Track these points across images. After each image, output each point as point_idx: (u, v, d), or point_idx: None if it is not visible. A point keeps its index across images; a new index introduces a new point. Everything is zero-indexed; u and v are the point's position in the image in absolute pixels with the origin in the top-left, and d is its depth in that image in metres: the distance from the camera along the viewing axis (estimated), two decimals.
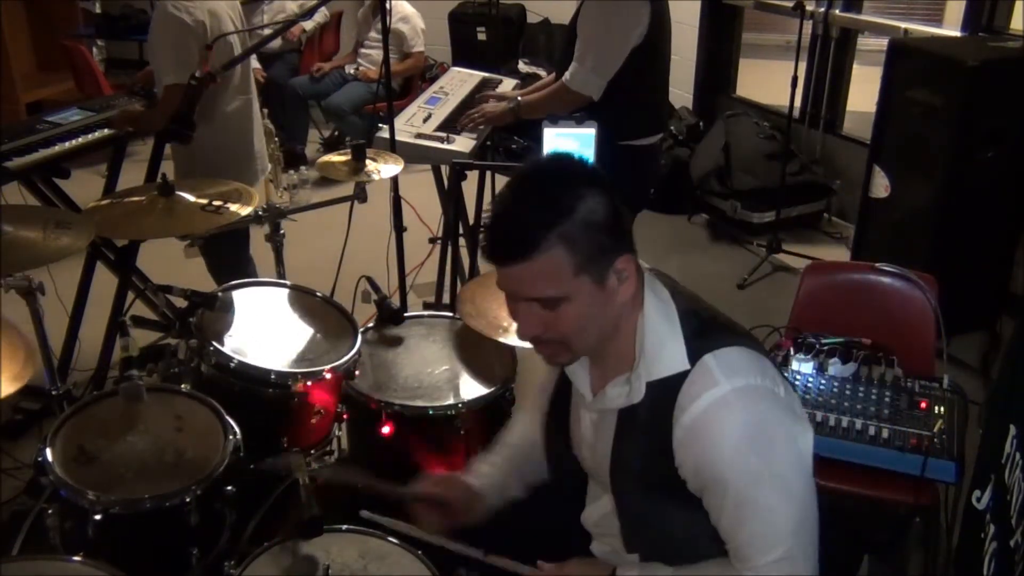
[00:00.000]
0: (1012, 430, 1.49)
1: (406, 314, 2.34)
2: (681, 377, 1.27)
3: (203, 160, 2.82)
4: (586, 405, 1.42)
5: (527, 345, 1.95)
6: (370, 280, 2.38)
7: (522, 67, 5.61)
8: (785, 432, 1.26)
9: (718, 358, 1.27)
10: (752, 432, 1.24)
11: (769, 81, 5.41)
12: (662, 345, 1.30)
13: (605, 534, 1.52)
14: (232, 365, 1.93)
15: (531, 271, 1.22)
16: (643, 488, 1.36)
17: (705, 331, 1.31)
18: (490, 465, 1.63)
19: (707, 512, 1.31)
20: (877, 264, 2.24)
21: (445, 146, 2.91)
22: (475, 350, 2.23)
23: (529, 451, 1.63)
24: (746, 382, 1.25)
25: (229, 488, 1.74)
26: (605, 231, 1.23)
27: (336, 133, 5.69)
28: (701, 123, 5.01)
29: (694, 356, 1.28)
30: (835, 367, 2.08)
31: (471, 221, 3.29)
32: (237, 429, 1.81)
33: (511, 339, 1.97)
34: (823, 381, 2.06)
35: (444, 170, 3.06)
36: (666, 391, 1.28)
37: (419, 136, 2.96)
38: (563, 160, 1.31)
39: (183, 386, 1.96)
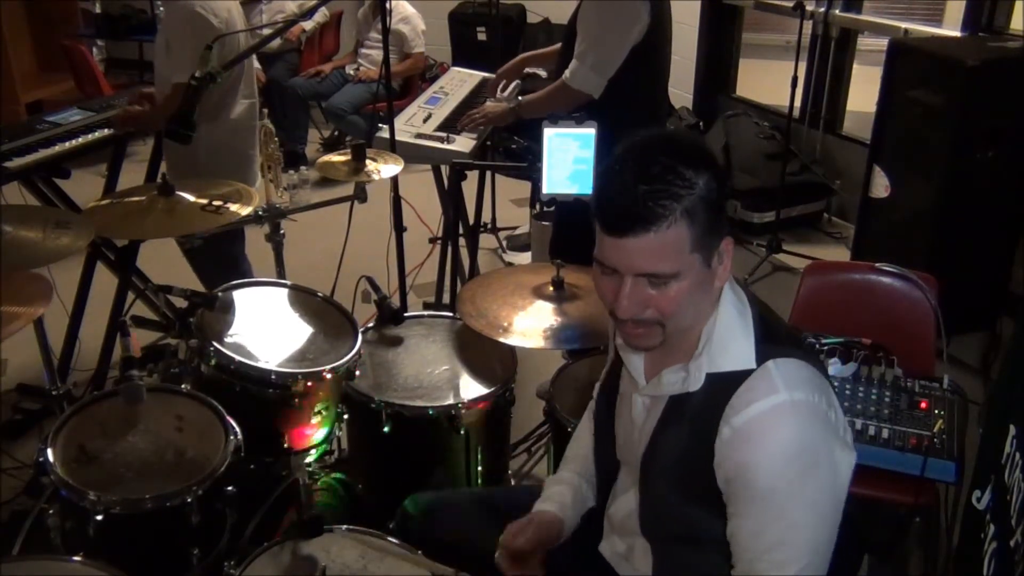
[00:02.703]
0: (1012, 430, 1.49)
1: (406, 314, 2.34)
2: (742, 376, 1.27)
3: (206, 161, 2.81)
4: (638, 390, 1.41)
5: (527, 345, 1.99)
6: (370, 280, 2.38)
7: None
8: (829, 455, 1.26)
9: (780, 367, 1.26)
10: (799, 448, 1.23)
11: (769, 81, 5.42)
12: (732, 339, 1.30)
13: (625, 530, 1.50)
14: (232, 365, 1.93)
15: (652, 244, 1.20)
16: (672, 478, 1.34)
17: (773, 338, 1.31)
18: (561, 484, 1.61)
19: (726, 518, 1.30)
20: (877, 264, 2.24)
21: (445, 146, 2.91)
22: (475, 350, 2.23)
23: (591, 458, 1.62)
24: (804, 397, 1.24)
25: (230, 488, 1.74)
26: (718, 210, 1.23)
27: (335, 133, 5.69)
28: (701, 123, 5.00)
29: (760, 359, 1.27)
30: (835, 367, 2.08)
31: (471, 221, 3.30)
32: (238, 429, 1.81)
33: (511, 339, 1.97)
34: None
35: (444, 170, 3.06)
36: (724, 386, 1.27)
37: (419, 136, 2.96)
38: (680, 135, 1.30)
39: (183, 386, 1.96)
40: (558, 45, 2.94)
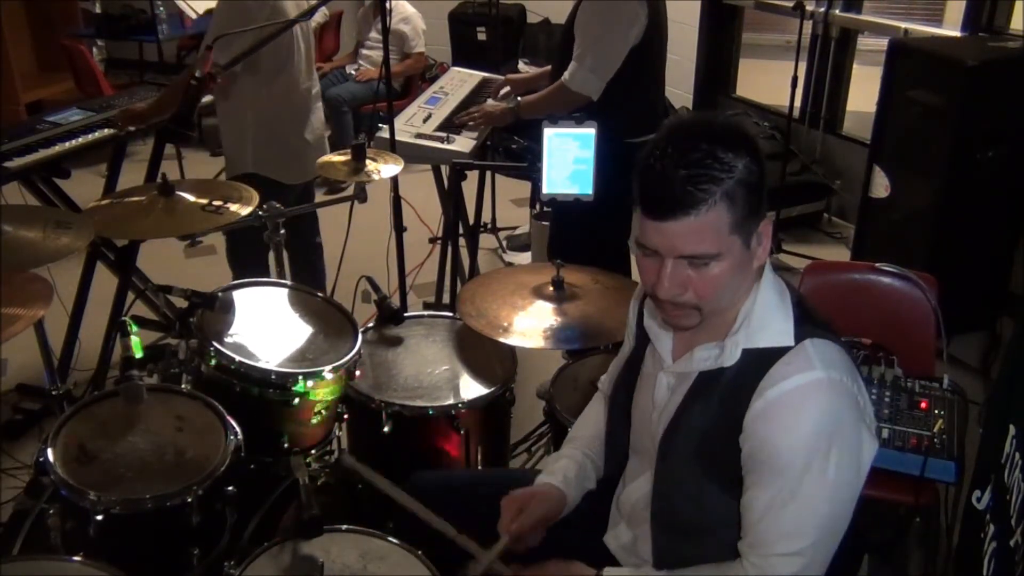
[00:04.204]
0: (1012, 430, 1.49)
1: (406, 314, 2.34)
2: (779, 352, 1.29)
3: (260, 149, 2.85)
4: (665, 369, 1.43)
5: (527, 345, 1.99)
6: (370, 280, 2.38)
7: (522, 67, 5.60)
8: (855, 438, 1.28)
9: (817, 347, 1.29)
10: (828, 426, 1.25)
11: (769, 81, 5.42)
12: (772, 318, 1.32)
13: (634, 517, 1.50)
14: (232, 365, 1.93)
15: (693, 227, 1.22)
16: (693, 452, 1.36)
17: (810, 319, 1.34)
18: (565, 459, 1.63)
19: (740, 495, 1.31)
20: (877, 264, 2.24)
21: (445, 146, 2.91)
22: (475, 350, 2.23)
23: (600, 439, 1.64)
24: (839, 376, 1.27)
25: (230, 488, 1.74)
26: (757, 192, 1.25)
27: (329, 134, 5.68)
28: None
29: (798, 337, 1.30)
30: None
31: (471, 221, 3.30)
32: (238, 429, 1.81)
33: (511, 339, 1.97)
34: None
35: (444, 170, 3.06)
36: (760, 361, 1.29)
37: (419, 136, 2.96)
38: (720, 119, 1.31)
39: (183, 386, 1.96)
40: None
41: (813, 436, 1.25)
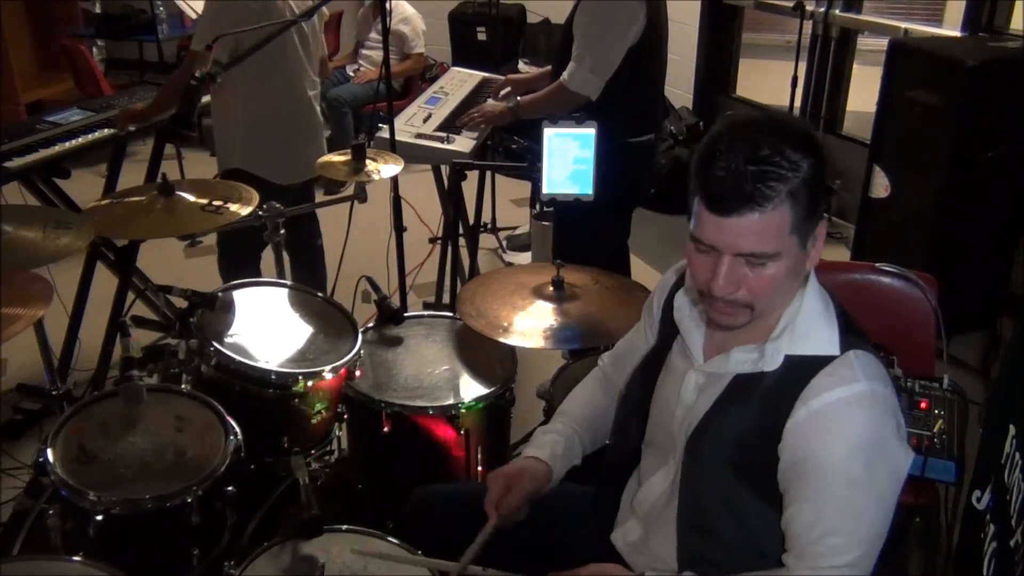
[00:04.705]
0: (1012, 430, 1.49)
1: (406, 314, 2.34)
2: (824, 361, 1.28)
3: (242, 143, 2.84)
4: (696, 367, 1.41)
5: (527, 345, 1.98)
6: (370, 280, 2.38)
7: (522, 67, 5.61)
8: (896, 449, 1.28)
9: (861, 358, 1.28)
10: (874, 438, 1.24)
11: (769, 81, 5.42)
12: (817, 325, 1.31)
13: (654, 514, 1.48)
14: (232, 365, 1.93)
15: (757, 225, 1.21)
16: (727, 457, 1.34)
17: (853, 330, 1.34)
18: (553, 433, 1.63)
19: (769, 501, 1.30)
20: (877, 264, 2.24)
21: (445, 146, 2.91)
22: (475, 350, 2.23)
23: (591, 417, 1.64)
24: (883, 391, 1.27)
25: (230, 488, 1.74)
26: (818, 193, 1.24)
27: (330, 134, 5.68)
28: (701, 123, 5.00)
29: (843, 348, 1.29)
30: None
31: (471, 221, 3.30)
32: (238, 429, 1.81)
33: (511, 339, 1.97)
34: None
35: (444, 170, 3.06)
36: (803, 369, 1.28)
37: (419, 136, 2.96)
38: (786, 118, 1.30)
39: (183, 386, 1.96)
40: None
41: (857, 448, 1.24)
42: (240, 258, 2.94)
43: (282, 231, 2.52)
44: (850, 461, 1.24)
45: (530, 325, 1.99)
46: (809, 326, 1.31)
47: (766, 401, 1.31)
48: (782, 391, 1.29)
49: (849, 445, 1.24)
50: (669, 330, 1.49)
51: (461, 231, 3.18)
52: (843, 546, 1.25)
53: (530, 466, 1.57)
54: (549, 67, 3.07)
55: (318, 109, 3.10)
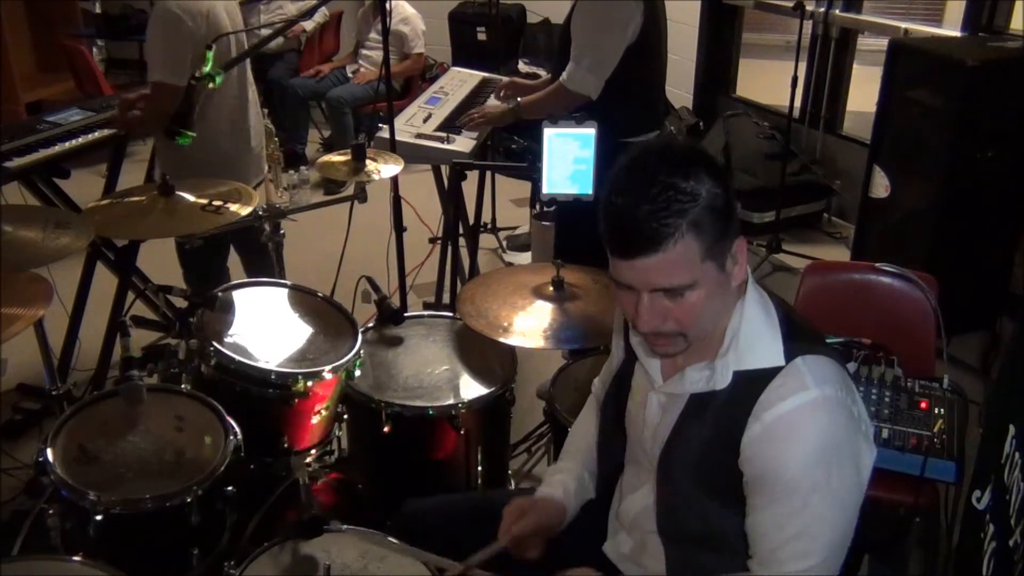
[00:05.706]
0: (1012, 430, 1.49)
1: (406, 314, 2.34)
2: (771, 373, 1.28)
3: (195, 160, 2.79)
4: (655, 389, 1.41)
5: (527, 345, 1.98)
6: (370, 280, 2.38)
7: (522, 67, 5.60)
8: (854, 450, 1.28)
9: (809, 364, 1.28)
10: (829, 443, 1.24)
11: (769, 81, 5.41)
12: (759, 337, 1.31)
13: (637, 528, 1.50)
14: (232, 365, 1.93)
15: (664, 262, 1.20)
16: (694, 474, 1.35)
17: (799, 335, 1.32)
18: (563, 472, 1.62)
19: (743, 511, 1.31)
20: (877, 264, 2.24)
21: (445, 146, 2.91)
22: (475, 350, 2.23)
23: (595, 451, 1.63)
24: (833, 392, 1.26)
25: (229, 488, 1.74)
26: (725, 214, 1.23)
27: (330, 134, 5.68)
28: (701, 123, 5.00)
29: (788, 356, 1.29)
30: None
31: (471, 221, 3.30)
32: (238, 429, 1.81)
33: (511, 339, 1.97)
34: None
35: (444, 170, 3.06)
36: (752, 384, 1.28)
37: (419, 136, 2.96)
38: (675, 145, 1.29)
39: (183, 386, 1.96)
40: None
41: (814, 456, 1.24)
42: (202, 273, 2.93)
43: (282, 231, 2.52)
44: (809, 470, 1.24)
45: (530, 325, 1.99)
46: (752, 339, 1.31)
47: (721, 418, 1.31)
48: (735, 407, 1.29)
49: (806, 455, 1.24)
50: (632, 351, 1.49)
51: (461, 231, 3.18)
52: (806, 551, 1.26)
53: (545, 496, 1.57)
54: (550, 76, 3.07)
55: (257, 112, 3.05)
